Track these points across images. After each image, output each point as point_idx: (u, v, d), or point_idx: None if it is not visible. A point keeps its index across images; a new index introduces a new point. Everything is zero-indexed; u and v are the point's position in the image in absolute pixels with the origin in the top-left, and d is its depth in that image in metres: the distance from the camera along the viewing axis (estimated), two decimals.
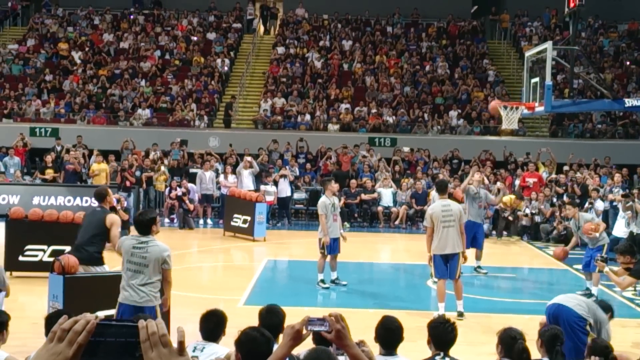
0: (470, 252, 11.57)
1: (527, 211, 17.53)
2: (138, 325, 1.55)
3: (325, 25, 28.70)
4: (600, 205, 16.47)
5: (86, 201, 17.04)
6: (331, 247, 10.88)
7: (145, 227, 6.37)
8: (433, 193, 12.07)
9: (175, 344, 1.56)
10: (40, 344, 1.54)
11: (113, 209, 13.94)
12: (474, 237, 11.93)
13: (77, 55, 26.15)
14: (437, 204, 9.39)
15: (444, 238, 9.12)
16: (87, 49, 26.47)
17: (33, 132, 22.30)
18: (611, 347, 4.55)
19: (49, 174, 19.33)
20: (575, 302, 5.90)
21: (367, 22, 28.81)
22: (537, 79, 13.36)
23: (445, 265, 9.17)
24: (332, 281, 11.17)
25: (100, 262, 7.84)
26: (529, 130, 24.16)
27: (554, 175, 19.32)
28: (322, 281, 11.02)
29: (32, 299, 9.22)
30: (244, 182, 18.10)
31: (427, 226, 9.36)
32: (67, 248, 10.56)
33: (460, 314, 9.18)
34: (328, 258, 11.01)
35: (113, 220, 7.76)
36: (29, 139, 21.61)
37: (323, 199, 10.96)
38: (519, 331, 4.67)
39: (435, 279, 11.08)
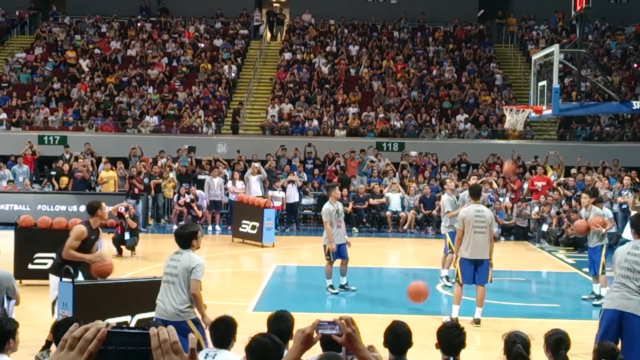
0: None
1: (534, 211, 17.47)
2: (149, 333, 1.55)
3: (332, 30, 28.74)
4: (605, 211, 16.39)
5: None
6: (337, 253, 10.85)
7: (185, 240, 6.21)
8: (443, 197, 11.99)
9: (186, 352, 1.56)
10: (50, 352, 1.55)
11: (121, 217, 14.03)
12: None
13: (84, 63, 26.29)
14: (471, 208, 9.32)
15: (473, 243, 9.07)
16: (94, 56, 26.60)
17: (41, 141, 22.41)
18: (617, 349, 4.52)
19: (64, 182, 19.37)
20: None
21: (374, 27, 28.83)
22: (544, 82, 13.33)
23: (473, 270, 9.11)
24: (342, 286, 11.16)
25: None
26: (537, 133, 24.10)
27: (562, 178, 19.25)
28: (331, 287, 11.01)
29: (42, 307, 9.24)
30: (252, 188, 18.12)
31: (458, 229, 9.31)
32: None
33: (478, 321, 9.08)
34: (338, 263, 10.99)
35: (73, 230, 7.73)
36: (37, 147, 21.71)
37: (327, 206, 10.98)
38: (522, 335, 4.65)
39: (449, 283, 11.07)
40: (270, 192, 17.84)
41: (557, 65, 12.71)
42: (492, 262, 9.34)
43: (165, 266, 6.25)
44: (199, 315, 6.21)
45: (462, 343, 4.40)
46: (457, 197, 12.10)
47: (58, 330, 4.87)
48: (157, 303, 6.22)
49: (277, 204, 17.71)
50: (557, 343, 4.65)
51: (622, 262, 6.21)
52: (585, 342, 6.78)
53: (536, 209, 17.53)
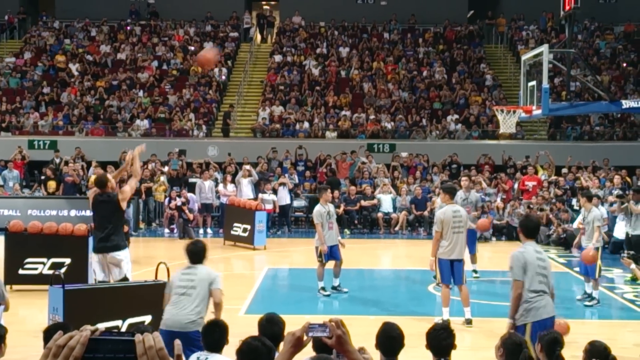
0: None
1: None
2: (134, 340, 1.54)
3: (322, 32, 28.76)
4: (602, 211, 16.47)
5: (85, 213, 17.02)
6: (329, 255, 10.85)
7: (199, 259, 6.29)
8: (438, 199, 12.02)
9: (172, 358, 1.55)
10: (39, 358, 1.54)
11: None
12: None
13: (74, 67, 26.19)
14: (447, 209, 9.30)
15: (453, 243, 9.11)
16: (84, 60, 26.51)
17: (31, 145, 22.30)
18: (609, 349, 4.53)
19: (52, 186, 19.29)
20: None
21: (364, 29, 28.87)
22: (534, 82, 13.39)
23: (451, 270, 9.16)
24: (334, 288, 11.16)
25: (125, 246, 8.32)
26: (527, 133, 24.18)
27: (553, 177, 19.33)
28: (323, 289, 11.01)
29: (32, 312, 9.19)
30: (244, 190, 18.10)
31: (437, 230, 9.28)
32: (67, 260, 10.58)
33: (469, 322, 9.11)
34: (332, 265, 10.99)
35: (121, 193, 8.24)
36: (27, 151, 21.60)
37: (318, 208, 10.98)
38: (523, 338, 4.66)
39: (441, 285, 11.08)
40: (260, 195, 17.82)
41: (546, 65, 12.77)
42: (464, 260, 9.45)
43: (177, 280, 6.22)
44: None
45: (451, 345, 4.39)
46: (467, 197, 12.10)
47: (48, 336, 4.84)
48: (166, 315, 6.15)
49: (269, 206, 17.69)
50: (552, 343, 4.65)
51: (536, 269, 6.06)
52: (577, 341, 6.79)
53: (521, 208, 17.57)
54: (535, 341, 5.40)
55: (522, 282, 6.06)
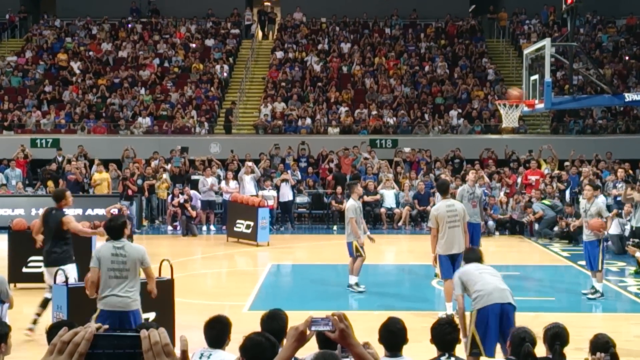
0: None
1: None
2: (140, 335, 1.54)
3: (324, 28, 28.71)
4: (602, 200, 16.45)
5: (88, 211, 17.05)
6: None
7: (119, 231, 6.51)
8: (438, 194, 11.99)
9: (178, 353, 1.55)
10: (43, 355, 1.54)
11: None
12: (470, 237, 11.86)
13: (76, 66, 26.19)
14: (441, 204, 9.35)
15: (450, 238, 9.11)
16: (85, 59, 26.51)
17: (34, 144, 22.32)
18: (613, 341, 4.53)
19: (50, 186, 19.33)
20: None
21: (365, 25, 28.82)
22: (536, 76, 13.34)
23: (452, 265, 9.16)
24: (350, 286, 11.06)
25: (69, 261, 8.38)
26: (530, 127, 24.14)
27: (556, 171, 19.30)
28: (357, 284, 10.90)
29: (34, 311, 9.20)
30: (246, 187, 18.11)
31: (431, 227, 9.31)
32: None
33: None
34: (357, 262, 10.86)
35: (68, 220, 8.38)
36: (29, 150, 21.62)
37: (352, 203, 10.91)
38: (530, 332, 4.65)
39: (443, 280, 11.07)
40: (261, 192, 17.82)
41: (548, 59, 12.72)
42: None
43: (109, 261, 6.36)
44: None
45: (456, 339, 4.40)
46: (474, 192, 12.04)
47: (52, 333, 4.85)
48: (107, 297, 6.34)
49: (270, 203, 17.69)
50: (553, 337, 4.66)
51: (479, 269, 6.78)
52: (581, 334, 6.78)
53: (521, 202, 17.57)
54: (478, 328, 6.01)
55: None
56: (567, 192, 18.20)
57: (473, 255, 7.01)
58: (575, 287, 11.53)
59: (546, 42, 13.02)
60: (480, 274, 6.57)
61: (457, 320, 5.18)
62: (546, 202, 17.21)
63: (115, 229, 6.52)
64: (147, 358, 1.52)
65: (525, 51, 14.64)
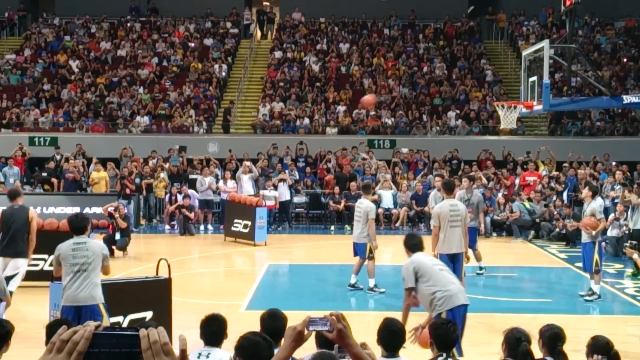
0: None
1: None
2: (139, 334, 1.54)
3: (322, 28, 28.71)
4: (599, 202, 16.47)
5: (86, 209, 17.03)
6: (357, 252, 10.90)
7: (82, 228, 6.73)
8: (432, 193, 11.96)
9: (177, 352, 1.55)
10: (41, 354, 1.54)
11: (111, 217, 13.98)
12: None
13: (74, 64, 26.17)
14: (445, 203, 9.37)
15: (450, 237, 9.16)
16: (84, 57, 26.49)
17: (32, 142, 22.30)
18: (611, 343, 4.53)
19: (46, 189, 19.37)
20: None
21: (364, 25, 28.83)
22: (534, 78, 13.36)
23: (451, 264, 9.18)
24: (352, 285, 11.09)
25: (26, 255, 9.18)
26: (528, 129, 24.17)
27: (554, 173, 19.32)
28: (376, 286, 10.88)
29: (33, 309, 9.20)
30: (244, 187, 18.10)
31: (434, 225, 9.34)
32: None
33: None
34: (366, 262, 10.90)
35: (34, 217, 9.33)
36: (27, 148, 21.59)
37: (371, 204, 10.93)
38: (525, 332, 4.66)
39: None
40: (261, 191, 17.82)
41: (547, 61, 12.74)
42: (469, 256, 9.42)
43: (71, 257, 6.50)
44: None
45: (457, 338, 4.41)
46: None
47: (51, 331, 4.84)
48: (69, 292, 6.44)
49: (270, 203, 17.69)
50: (553, 338, 4.65)
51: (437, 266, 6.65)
52: (578, 336, 6.80)
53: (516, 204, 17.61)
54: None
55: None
56: (565, 194, 18.22)
57: (415, 241, 6.84)
58: (573, 288, 11.54)
59: (545, 43, 13.04)
60: (440, 270, 6.48)
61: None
62: (526, 204, 17.30)
63: (75, 225, 6.70)
64: (146, 357, 1.52)
65: (524, 52, 14.65)
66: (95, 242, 6.81)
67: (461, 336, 6.22)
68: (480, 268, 12.37)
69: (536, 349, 4.74)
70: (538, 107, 13.22)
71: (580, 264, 11.76)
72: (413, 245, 6.73)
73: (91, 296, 6.44)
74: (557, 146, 20.93)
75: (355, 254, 10.96)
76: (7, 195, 9.85)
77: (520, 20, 28.80)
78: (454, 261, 9.20)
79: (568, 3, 13.57)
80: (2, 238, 9.18)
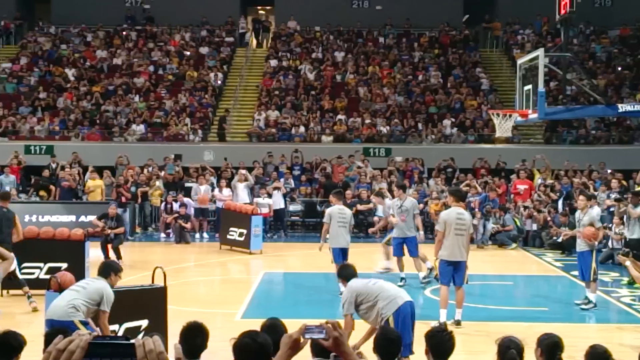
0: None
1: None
2: (134, 343, 1.54)
3: (317, 37, 28.79)
4: (597, 211, 16.51)
5: (82, 218, 17.00)
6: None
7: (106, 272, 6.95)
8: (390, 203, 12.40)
9: None
10: None
11: (104, 216, 14.09)
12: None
13: (70, 73, 26.16)
14: (452, 211, 9.47)
15: (454, 245, 9.22)
16: (80, 66, 26.49)
17: (28, 150, 22.27)
18: (609, 352, 4.53)
19: (42, 195, 19.31)
20: None
21: (359, 34, 28.91)
22: (530, 86, 13.42)
23: (452, 271, 9.25)
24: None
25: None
26: (523, 137, 24.22)
27: (549, 181, 19.36)
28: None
29: (28, 317, 9.17)
30: (240, 195, 18.09)
31: (439, 230, 9.40)
32: (64, 265, 10.55)
33: (458, 322, 9.21)
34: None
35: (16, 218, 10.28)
36: (23, 156, 21.55)
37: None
38: (515, 340, 4.65)
39: (425, 279, 11.39)
40: (255, 199, 17.81)
41: (542, 69, 12.80)
42: (468, 264, 9.46)
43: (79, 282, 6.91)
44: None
45: (453, 347, 4.40)
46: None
47: (47, 341, 4.79)
48: (52, 305, 6.68)
49: (264, 210, 17.69)
50: (553, 347, 4.64)
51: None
52: (576, 345, 6.80)
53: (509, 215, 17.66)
54: (398, 327, 6.19)
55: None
56: (560, 202, 18.26)
57: (350, 271, 7.20)
58: (569, 297, 11.54)
59: (540, 52, 13.11)
60: (373, 284, 6.90)
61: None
62: (517, 221, 17.43)
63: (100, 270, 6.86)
64: None
65: (519, 61, 14.72)
66: (103, 285, 6.75)
67: (412, 333, 6.53)
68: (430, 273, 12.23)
69: (532, 358, 4.74)
70: (533, 116, 13.28)
71: (576, 272, 11.78)
72: (349, 274, 7.07)
73: (67, 313, 6.51)
74: (552, 154, 20.98)
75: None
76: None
77: (515, 28, 28.92)
78: (454, 268, 9.23)
79: (563, 12, 13.65)
80: None
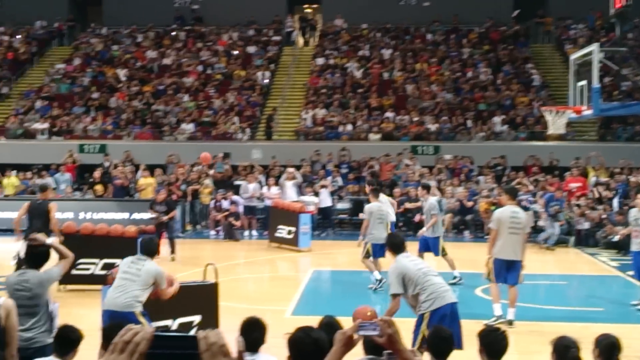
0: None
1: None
2: (197, 336, 1.56)
3: (364, 34, 28.70)
4: None
5: (134, 215, 17.35)
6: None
7: (151, 250, 7.32)
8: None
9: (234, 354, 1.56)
10: (93, 355, 1.57)
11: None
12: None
13: (122, 73, 26.72)
14: (506, 209, 9.36)
15: (506, 243, 9.10)
16: (131, 66, 27.03)
17: (82, 149, 22.85)
18: (619, 343, 4.45)
19: (98, 190, 19.68)
20: None
21: (407, 30, 28.70)
22: (583, 82, 13.11)
23: (506, 270, 9.11)
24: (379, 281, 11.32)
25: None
26: (577, 134, 23.67)
27: (603, 179, 18.87)
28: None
29: (85, 312, 9.39)
30: (287, 193, 18.17)
31: (492, 228, 9.32)
32: (118, 261, 10.75)
33: (510, 322, 9.07)
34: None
35: (52, 206, 11.14)
36: (77, 155, 22.11)
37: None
38: (573, 340, 4.56)
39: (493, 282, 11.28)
40: (301, 197, 17.87)
41: (596, 65, 12.50)
42: (524, 264, 9.29)
43: (126, 267, 7.01)
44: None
45: (507, 346, 4.34)
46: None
47: (107, 334, 4.89)
48: (110, 296, 6.86)
49: (310, 209, 17.72)
50: (610, 348, 4.55)
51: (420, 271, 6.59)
52: (631, 346, 6.62)
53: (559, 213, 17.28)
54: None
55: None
56: (616, 200, 17.78)
57: (398, 239, 6.77)
58: (624, 297, 11.24)
59: (594, 47, 12.81)
60: (423, 274, 6.43)
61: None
62: (569, 218, 17.09)
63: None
64: (204, 358, 1.54)
65: (572, 56, 14.41)
66: (152, 263, 7.05)
67: (460, 331, 6.28)
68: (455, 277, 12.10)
69: (588, 358, 4.63)
70: (587, 112, 12.99)
71: (631, 273, 11.46)
72: (396, 244, 6.66)
73: (128, 304, 6.69)
74: (607, 152, 20.44)
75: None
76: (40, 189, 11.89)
77: (568, 23, 28.28)
78: (508, 267, 9.10)
79: (618, 5, 13.29)
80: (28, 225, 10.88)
